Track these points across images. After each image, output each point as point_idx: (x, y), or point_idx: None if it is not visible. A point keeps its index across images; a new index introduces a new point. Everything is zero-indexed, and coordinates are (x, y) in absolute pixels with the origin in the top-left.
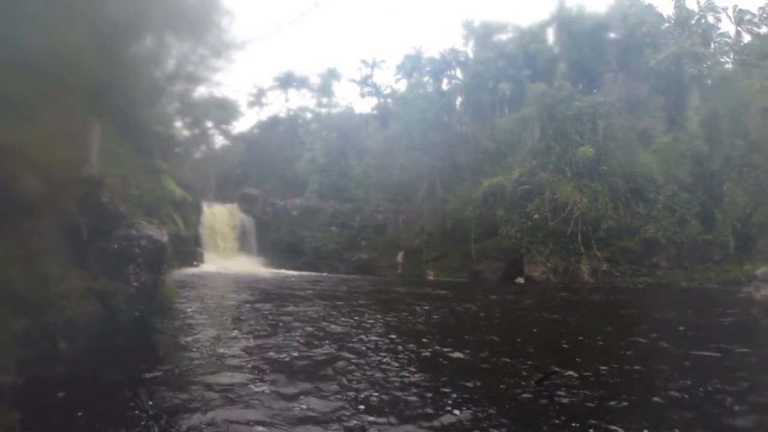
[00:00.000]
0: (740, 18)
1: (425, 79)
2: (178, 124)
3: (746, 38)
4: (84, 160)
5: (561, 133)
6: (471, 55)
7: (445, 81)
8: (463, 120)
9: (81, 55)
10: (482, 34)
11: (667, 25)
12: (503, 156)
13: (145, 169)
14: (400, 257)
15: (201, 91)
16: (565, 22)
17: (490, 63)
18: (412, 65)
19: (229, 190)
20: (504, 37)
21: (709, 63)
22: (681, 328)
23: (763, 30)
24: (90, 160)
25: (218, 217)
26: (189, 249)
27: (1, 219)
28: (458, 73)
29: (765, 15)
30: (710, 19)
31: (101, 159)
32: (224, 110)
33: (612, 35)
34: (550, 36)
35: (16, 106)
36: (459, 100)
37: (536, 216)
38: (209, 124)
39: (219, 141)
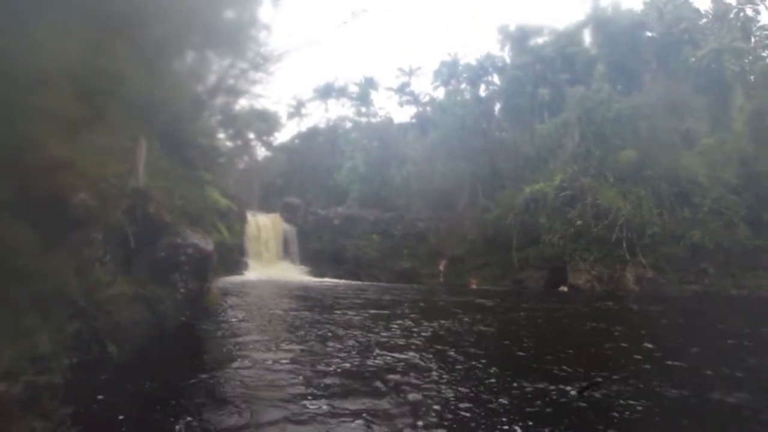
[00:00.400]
0: None
1: (463, 86)
2: (221, 136)
3: None
4: (131, 174)
5: (601, 137)
6: (508, 60)
7: (482, 87)
8: (503, 126)
9: (127, 73)
10: (518, 38)
11: (704, 20)
12: (544, 162)
13: (189, 180)
14: (442, 266)
15: (242, 104)
16: (601, 22)
17: (527, 67)
18: (449, 72)
19: (272, 200)
20: (540, 40)
21: (750, 58)
22: (731, 341)
23: None
24: (137, 173)
25: (262, 226)
26: (234, 257)
27: (56, 230)
28: (495, 79)
29: None
30: (749, 11)
31: (147, 171)
32: (265, 122)
33: (649, 34)
34: (587, 37)
35: (69, 123)
36: (497, 106)
37: (579, 222)
38: (251, 135)
39: (261, 152)
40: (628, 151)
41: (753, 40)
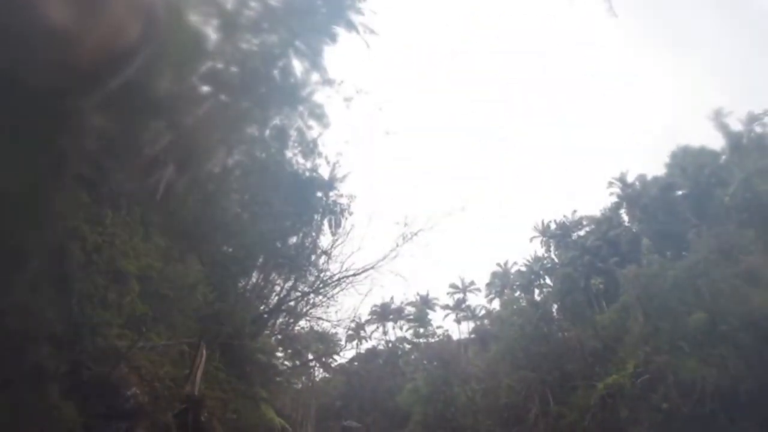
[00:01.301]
0: None
1: (517, 293)
2: (280, 354)
3: None
4: (188, 380)
5: (665, 309)
6: (555, 259)
7: (536, 291)
8: (563, 326)
9: (197, 285)
10: (560, 236)
11: (723, 157)
12: (613, 353)
13: (245, 395)
14: None
15: (302, 325)
16: (632, 198)
17: (576, 261)
18: (501, 282)
19: (330, 423)
20: (582, 232)
21: None
22: None
23: None
24: (194, 379)
25: None
26: None
27: (102, 416)
28: (547, 280)
29: None
30: (757, 128)
31: (204, 381)
32: (324, 343)
33: (679, 192)
34: (624, 216)
35: (133, 320)
36: (555, 307)
37: (665, 405)
38: (310, 356)
39: (319, 373)
40: (697, 314)
41: None
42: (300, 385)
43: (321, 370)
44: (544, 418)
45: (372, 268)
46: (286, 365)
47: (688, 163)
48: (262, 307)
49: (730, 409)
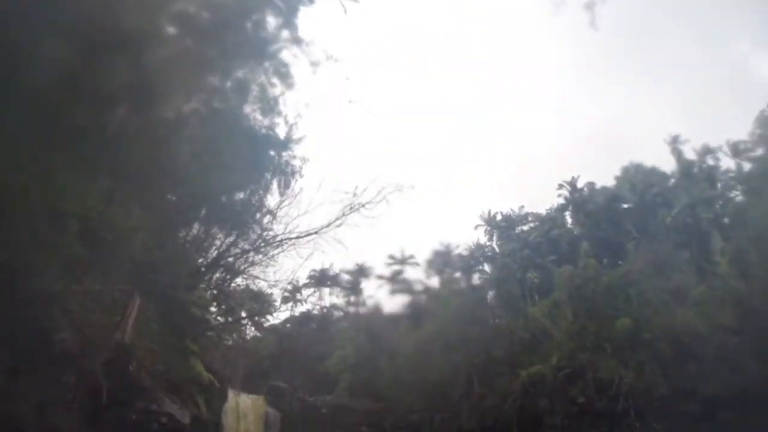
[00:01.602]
0: (736, 149)
1: (457, 274)
2: (214, 309)
3: (747, 166)
4: (119, 328)
5: (594, 311)
6: (496, 248)
7: (475, 276)
8: (496, 312)
9: (137, 231)
10: (504, 228)
11: (672, 181)
12: (539, 344)
13: (175, 347)
14: None
15: (238, 282)
16: (579, 203)
17: (515, 254)
18: (442, 261)
19: (257, 382)
20: (526, 227)
21: (720, 203)
22: None
23: (759, 152)
24: (125, 328)
25: (243, 406)
26: None
27: (29, 361)
28: (486, 268)
29: (756, 137)
30: (710, 161)
31: (135, 330)
32: (259, 303)
33: (625, 205)
34: (569, 218)
35: (66, 262)
36: (490, 293)
37: (581, 400)
38: (243, 313)
39: (251, 331)
40: (623, 319)
41: (719, 185)
42: (230, 342)
43: (253, 328)
44: (467, 399)
45: (315, 233)
46: (218, 321)
47: (638, 180)
48: (200, 261)
49: (642, 409)
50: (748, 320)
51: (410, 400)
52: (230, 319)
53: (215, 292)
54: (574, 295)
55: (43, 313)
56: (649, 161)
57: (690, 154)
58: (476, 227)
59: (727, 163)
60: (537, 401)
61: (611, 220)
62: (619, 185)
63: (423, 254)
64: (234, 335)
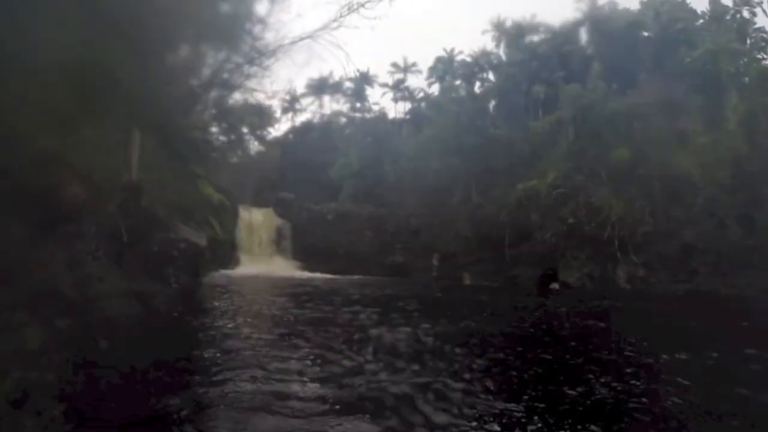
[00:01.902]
0: None
1: (458, 82)
2: (214, 130)
3: None
4: (124, 168)
5: (596, 135)
6: (503, 57)
7: (477, 84)
8: (497, 123)
9: (121, 66)
10: (514, 36)
11: (701, 21)
12: (538, 159)
13: (182, 174)
14: (435, 261)
15: (236, 98)
16: (597, 21)
17: (523, 65)
18: (444, 68)
19: (265, 195)
20: (536, 38)
21: (746, 60)
22: (721, 341)
23: None
24: (130, 167)
25: (254, 221)
26: (226, 252)
27: (47, 224)
28: (491, 76)
29: None
30: (746, 13)
31: (141, 165)
32: (259, 116)
33: (645, 34)
34: (583, 36)
35: (60, 116)
36: (492, 104)
37: (571, 220)
38: (245, 130)
39: (254, 146)
40: (622, 149)
41: (749, 42)
42: (236, 160)
43: (256, 143)
44: (464, 205)
45: (310, 37)
46: (221, 140)
47: (665, 10)
48: (193, 82)
49: (625, 241)
50: (743, 183)
51: (411, 205)
52: (232, 136)
53: (213, 111)
54: (578, 115)
55: (49, 172)
56: None
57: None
58: (484, 33)
59: (763, 21)
60: (529, 215)
61: (628, 46)
62: (643, 11)
63: (427, 61)
64: (238, 152)
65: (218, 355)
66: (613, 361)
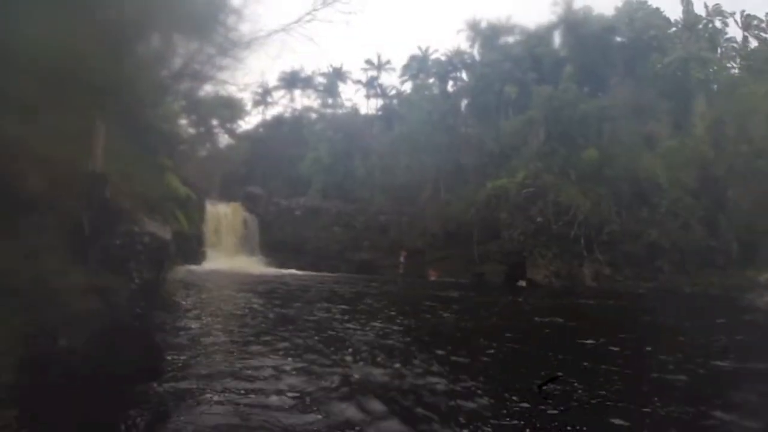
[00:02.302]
0: (748, 23)
1: (431, 80)
2: (184, 122)
3: (753, 44)
4: (88, 157)
5: (566, 136)
6: (477, 57)
7: (450, 83)
8: (468, 122)
9: (88, 53)
10: (488, 36)
11: (674, 29)
12: (507, 159)
13: (149, 166)
14: (402, 258)
15: (207, 90)
16: (572, 25)
17: (496, 65)
18: (417, 66)
19: (234, 189)
20: (510, 39)
21: (715, 68)
22: (681, 338)
23: None
24: (94, 156)
25: (222, 215)
26: (192, 247)
27: (3, 215)
28: (464, 75)
29: None
30: (718, 24)
31: (106, 156)
32: (229, 109)
33: (619, 39)
34: (557, 39)
35: (22, 103)
36: (464, 102)
37: (539, 219)
38: (214, 122)
39: (224, 140)
40: (591, 150)
41: (719, 50)
42: (204, 153)
43: (226, 136)
44: (433, 203)
45: (283, 30)
46: (190, 132)
47: (639, 17)
48: (163, 72)
49: (592, 240)
50: (707, 187)
51: (380, 202)
52: (202, 129)
53: (183, 103)
54: (549, 116)
55: (7, 160)
56: (655, 2)
57: (700, 9)
58: (459, 32)
59: (734, 32)
60: (498, 214)
61: (601, 50)
62: (618, 17)
63: (402, 59)
64: (207, 145)
65: (181, 357)
66: (562, 352)
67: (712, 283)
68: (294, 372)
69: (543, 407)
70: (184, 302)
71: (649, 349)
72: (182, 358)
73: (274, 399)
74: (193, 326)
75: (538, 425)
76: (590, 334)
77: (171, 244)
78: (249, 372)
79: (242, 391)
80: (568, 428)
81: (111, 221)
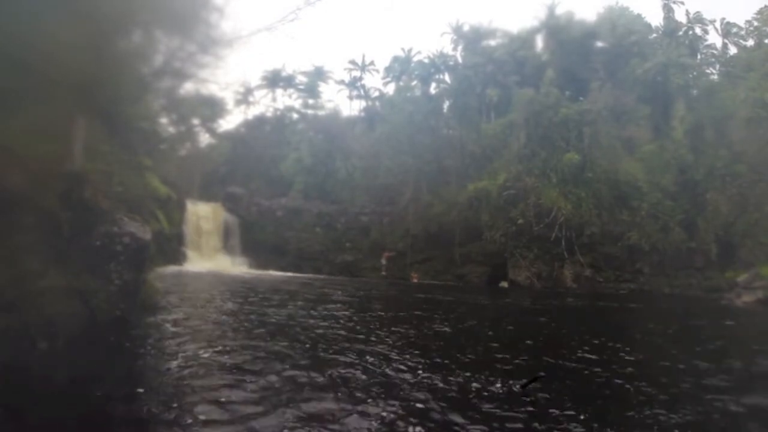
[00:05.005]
0: (727, 30)
1: (414, 83)
2: (164, 120)
3: (732, 50)
4: (67, 156)
5: (547, 140)
6: (460, 59)
7: (433, 85)
8: (450, 124)
9: (67, 50)
10: (471, 39)
11: (655, 35)
12: (489, 161)
13: (129, 165)
14: (384, 259)
15: (188, 88)
16: (554, 30)
17: (478, 68)
18: (401, 68)
19: (214, 189)
20: (493, 42)
21: (695, 74)
22: (659, 339)
23: (750, 43)
24: (73, 155)
25: (202, 215)
26: (172, 247)
27: None
28: (447, 78)
29: (751, 28)
30: (698, 30)
31: (85, 154)
32: (211, 108)
33: (600, 44)
34: (539, 43)
35: (0, 100)
36: (447, 104)
37: (520, 221)
38: (195, 121)
39: (205, 139)
40: (572, 154)
41: (699, 57)
42: (185, 152)
43: (207, 135)
44: (415, 204)
45: (266, 29)
46: (170, 131)
47: (620, 23)
48: (144, 69)
49: (573, 242)
50: (687, 190)
51: (362, 203)
52: (182, 128)
53: (164, 101)
54: (530, 119)
55: None
56: (637, 8)
57: (680, 16)
58: (442, 35)
59: (714, 39)
60: (480, 215)
61: (582, 55)
62: (599, 23)
63: (384, 61)
64: (188, 144)
65: (158, 357)
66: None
67: (691, 285)
68: (270, 373)
69: (524, 408)
70: (163, 305)
71: (627, 349)
72: (157, 361)
73: (251, 395)
74: (170, 329)
75: (519, 425)
76: (572, 335)
77: (151, 245)
78: (226, 374)
79: (217, 393)
80: (550, 427)
81: (91, 221)
